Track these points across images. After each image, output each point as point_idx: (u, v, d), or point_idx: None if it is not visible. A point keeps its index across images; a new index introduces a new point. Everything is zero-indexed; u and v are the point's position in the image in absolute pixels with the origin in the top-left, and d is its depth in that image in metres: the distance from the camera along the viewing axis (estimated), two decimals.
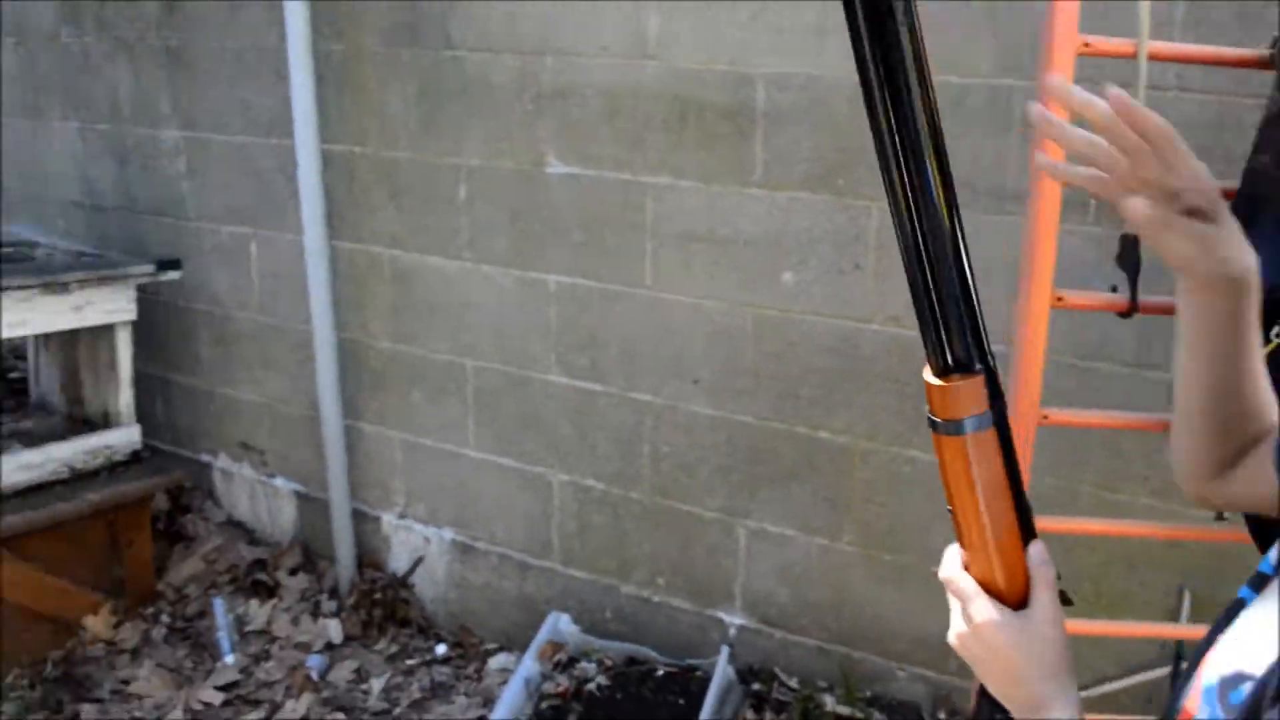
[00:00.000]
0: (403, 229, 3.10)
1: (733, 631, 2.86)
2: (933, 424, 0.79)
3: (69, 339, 3.37)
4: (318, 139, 3.06)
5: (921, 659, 2.65)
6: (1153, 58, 1.55)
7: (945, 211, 0.71)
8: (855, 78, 0.68)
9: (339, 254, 3.20)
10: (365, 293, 3.22)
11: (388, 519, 3.39)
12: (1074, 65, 1.51)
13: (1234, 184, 1.54)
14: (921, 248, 0.72)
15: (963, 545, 0.83)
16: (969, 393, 0.76)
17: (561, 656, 2.95)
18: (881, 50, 0.66)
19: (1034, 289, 1.60)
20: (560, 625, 2.98)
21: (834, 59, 2.42)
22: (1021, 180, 2.24)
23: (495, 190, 2.92)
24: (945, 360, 0.76)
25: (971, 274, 0.73)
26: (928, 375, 0.78)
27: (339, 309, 3.23)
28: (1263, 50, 1.57)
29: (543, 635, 2.97)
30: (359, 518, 3.43)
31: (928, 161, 0.69)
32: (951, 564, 0.85)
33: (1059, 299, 1.62)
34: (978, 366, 0.76)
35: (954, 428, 0.78)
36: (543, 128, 2.80)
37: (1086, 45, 1.53)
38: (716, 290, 2.68)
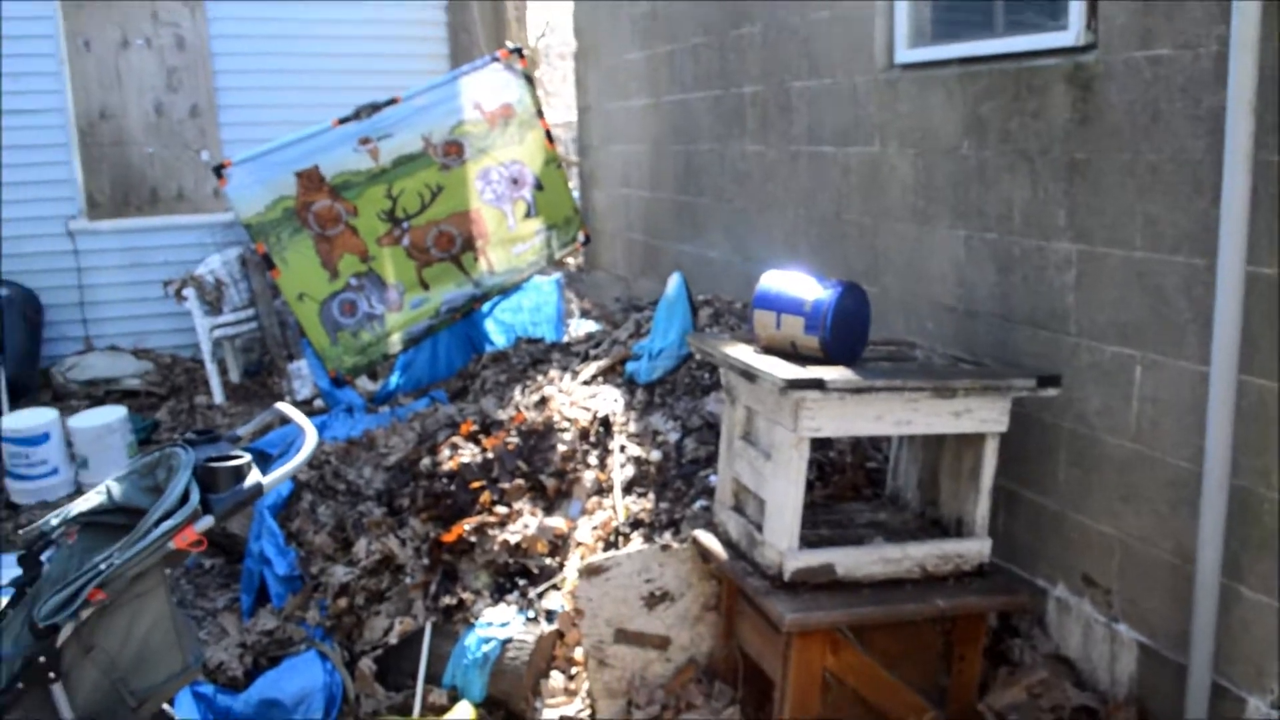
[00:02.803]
0: None
1: None
2: None
3: (932, 439, 3.43)
4: (1244, 260, 2.72)
5: None
6: None
7: None
8: None
9: (1245, 389, 2.81)
10: (1272, 437, 2.78)
11: (1255, 703, 2.87)
12: None
13: None
14: None
15: None
16: None
17: None
18: None
19: None
20: None
21: None
22: None
23: None
24: None
25: None
26: None
27: (1235, 451, 2.83)
28: None
29: None
30: (1217, 693, 2.95)
31: None
32: None
33: None
34: None
35: None
36: None
37: None
38: None
